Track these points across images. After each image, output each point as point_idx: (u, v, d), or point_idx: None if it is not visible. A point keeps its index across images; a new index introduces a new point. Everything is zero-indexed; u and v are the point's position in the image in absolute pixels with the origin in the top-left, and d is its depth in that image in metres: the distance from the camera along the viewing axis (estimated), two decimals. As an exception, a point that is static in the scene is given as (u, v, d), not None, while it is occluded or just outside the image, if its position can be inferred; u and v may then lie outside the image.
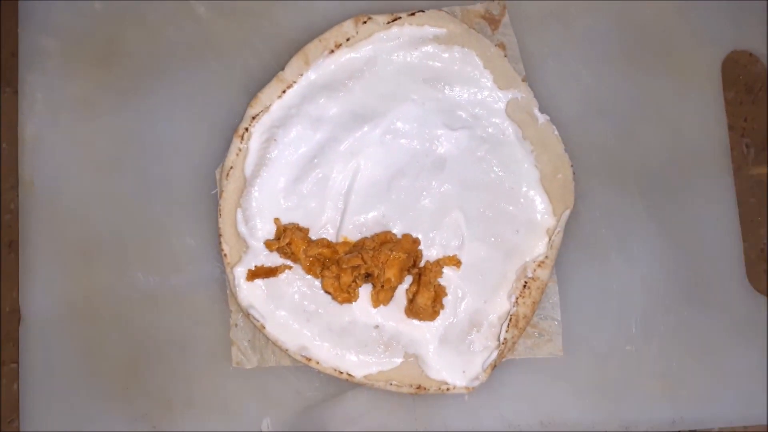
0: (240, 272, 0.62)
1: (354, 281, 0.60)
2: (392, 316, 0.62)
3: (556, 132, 0.63)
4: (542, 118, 0.63)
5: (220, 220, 0.62)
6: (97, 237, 0.64)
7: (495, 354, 0.61)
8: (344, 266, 0.59)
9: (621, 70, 0.66)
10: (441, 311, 0.61)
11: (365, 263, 0.59)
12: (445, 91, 0.63)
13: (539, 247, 0.62)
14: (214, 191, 0.64)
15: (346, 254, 0.60)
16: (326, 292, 0.61)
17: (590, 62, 0.66)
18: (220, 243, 0.63)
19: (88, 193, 0.65)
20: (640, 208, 0.65)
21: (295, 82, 0.63)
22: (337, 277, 0.60)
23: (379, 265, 0.59)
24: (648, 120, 0.66)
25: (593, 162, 0.65)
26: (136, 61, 0.66)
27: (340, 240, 0.62)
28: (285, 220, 0.62)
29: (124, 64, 0.66)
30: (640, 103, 0.66)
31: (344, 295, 0.60)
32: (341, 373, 0.61)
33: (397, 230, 0.63)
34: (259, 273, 0.61)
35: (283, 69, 0.63)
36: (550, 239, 0.62)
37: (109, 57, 0.66)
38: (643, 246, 0.65)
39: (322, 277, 0.60)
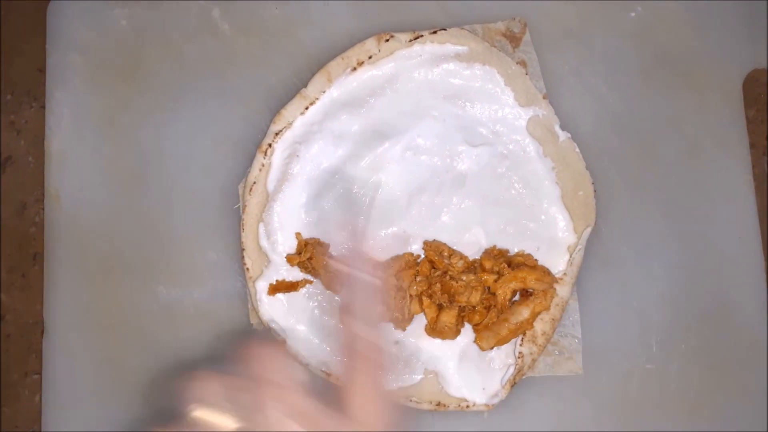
0: (261, 286, 0.62)
1: None
2: (412, 332, 0.62)
3: (577, 149, 0.63)
4: (563, 135, 0.63)
5: (242, 234, 0.63)
6: (121, 250, 0.65)
7: (512, 369, 0.61)
8: None
9: (641, 88, 0.66)
10: (462, 328, 0.61)
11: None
12: (466, 108, 0.64)
13: (560, 264, 0.62)
14: (236, 206, 0.65)
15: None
16: None
17: (610, 80, 0.66)
18: (242, 257, 0.63)
19: (112, 207, 0.65)
20: (661, 226, 0.65)
21: (317, 99, 0.63)
22: None
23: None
24: (668, 138, 0.66)
25: (613, 179, 0.65)
26: (160, 78, 0.67)
27: (361, 255, 0.63)
28: (306, 234, 0.62)
29: (149, 80, 0.67)
30: (660, 121, 0.66)
31: None
32: (361, 388, 0.61)
33: (417, 247, 0.63)
34: (280, 287, 0.62)
35: (305, 86, 0.63)
36: (570, 256, 0.62)
37: (134, 73, 0.67)
38: (663, 264, 0.64)
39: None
